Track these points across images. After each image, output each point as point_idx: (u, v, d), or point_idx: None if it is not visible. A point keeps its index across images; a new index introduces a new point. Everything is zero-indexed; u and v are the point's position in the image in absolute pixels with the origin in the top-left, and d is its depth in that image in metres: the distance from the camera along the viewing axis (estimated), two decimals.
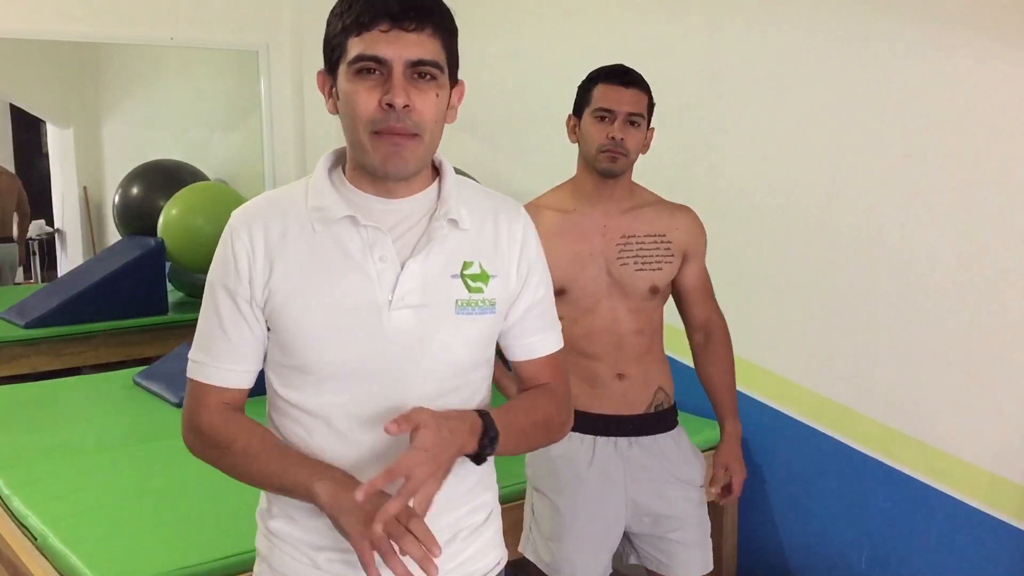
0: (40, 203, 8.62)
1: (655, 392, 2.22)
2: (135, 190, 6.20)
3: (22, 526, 2.50)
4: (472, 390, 1.40)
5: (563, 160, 3.74)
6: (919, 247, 2.64)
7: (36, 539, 2.41)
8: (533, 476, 2.27)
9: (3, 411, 3.54)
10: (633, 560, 2.30)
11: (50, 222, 8.71)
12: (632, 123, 2.11)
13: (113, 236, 7.05)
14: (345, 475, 1.26)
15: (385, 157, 1.26)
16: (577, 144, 2.22)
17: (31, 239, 8.43)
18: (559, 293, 2.13)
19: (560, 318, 2.09)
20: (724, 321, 2.33)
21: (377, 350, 1.30)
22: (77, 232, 8.22)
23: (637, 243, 2.17)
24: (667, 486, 2.21)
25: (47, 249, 8.86)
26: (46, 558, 2.35)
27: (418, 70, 1.25)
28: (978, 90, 2.49)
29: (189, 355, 1.37)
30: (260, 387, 1.42)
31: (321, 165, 1.36)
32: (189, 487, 2.69)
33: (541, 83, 3.79)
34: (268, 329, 1.33)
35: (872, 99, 2.71)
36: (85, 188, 8.21)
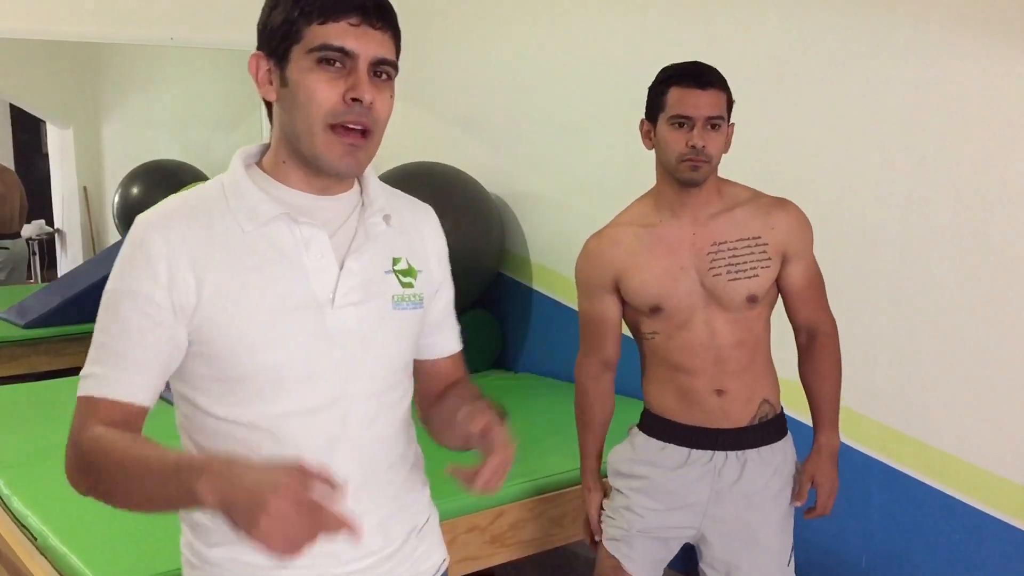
0: (40, 203, 8.62)
1: (760, 405, 2.10)
2: (135, 190, 6.21)
3: (22, 526, 2.50)
4: (405, 388, 1.40)
5: (564, 160, 3.75)
6: (919, 247, 2.64)
7: (36, 539, 2.41)
8: (615, 475, 2.20)
9: (3, 411, 3.54)
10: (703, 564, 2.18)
11: (50, 222, 8.71)
12: (713, 127, 1.96)
13: (113, 236, 7.06)
14: (220, 458, 1.13)
15: (340, 155, 1.22)
16: (653, 151, 2.05)
17: (31, 239, 8.43)
18: (654, 311, 2.05)
19: (654, 333, 2.08)
20: (834, 326, 2.16)
21: (321, 351, 1.26)
22: (77, 232, 8.22)
23: (729, 250, 2.01)
24: (752, 509, 2.09)
25: (47, 249, 8.86)
26: (46, 558, 2.35)
27: (378, 68, 1.22)
28: (978, 90, 2.49)
29: (82, 372, 1.25)
30: None
31: (237, 163, 1.30)
32: None
33: (542, 83, 3.79)
34: (190, 342, 1.23)
35: (872, 99, 2.71)
36: (85, 188, 8.21)
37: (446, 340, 1.50)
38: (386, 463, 1.36)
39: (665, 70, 2.02)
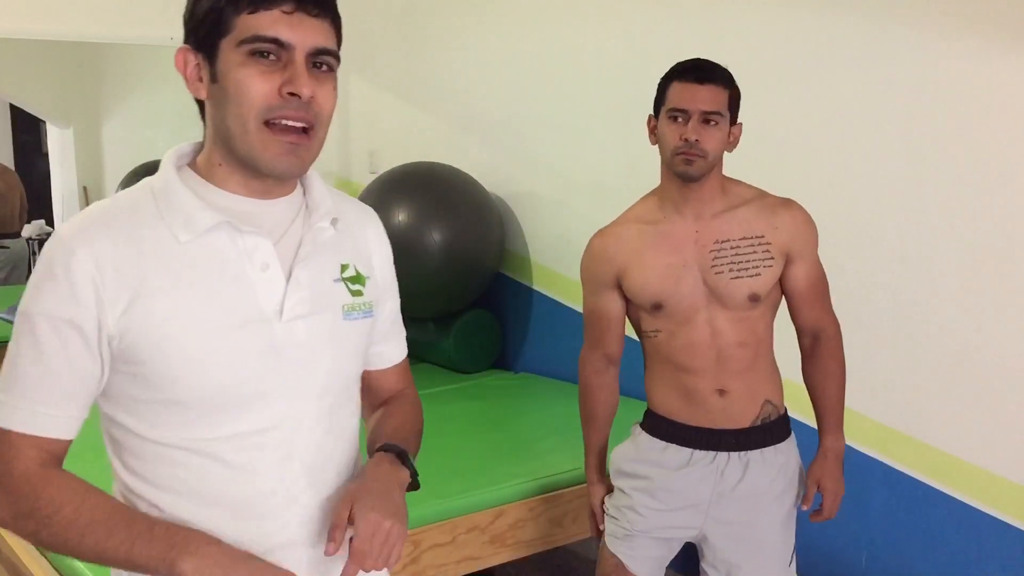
0: (40, 203, 8.62)
1: (762, 405, 2.09)
2: None
3: None
4: (355, 403, 1.32)
5: (564, 160, 3.75)
6: (919, 247, 2.64)
7: None
8: (617, 474, 2.20)
9: None
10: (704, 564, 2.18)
11: (50, 222, 8.71)
12: (708, 122, 1.95)
13: None
14: (211, 540, 1.09)
15: (277, 155, 1.11)
16: (658, 147, 2.05)
17: (31, 239, 8.43)
18: (656, 308, 2.06)
19: (656, 331, 2.08)
20: (837, 328, 2.15)
21: (270, 368, 1.16)
22: None
23: (732, 248, 2.01)
24: (751, 508, 2.09)
25: None
26: (46, 558, 2.35)
27: (318, 59, 1.11)
28: (979, 90, 2.49)
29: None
30: None
31: (168, 168, 1.18)
32: None
33: (541, 83, 3.79)
34: (123, 362, 1.12)
35: (872, 99, 2.71)
36: (85, 188, 8.21)
37: (392, 349, 1.42)
38: (337, 483, 1.26)
39: (673, 66, 2.03)
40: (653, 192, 2.12)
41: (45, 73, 7.92)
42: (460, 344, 3.88)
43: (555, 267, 3.79)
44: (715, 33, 3.07)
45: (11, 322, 4.94)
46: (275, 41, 1.09)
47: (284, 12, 1.09)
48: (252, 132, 1.10)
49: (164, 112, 7.14)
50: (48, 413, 1.12)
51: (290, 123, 1.10)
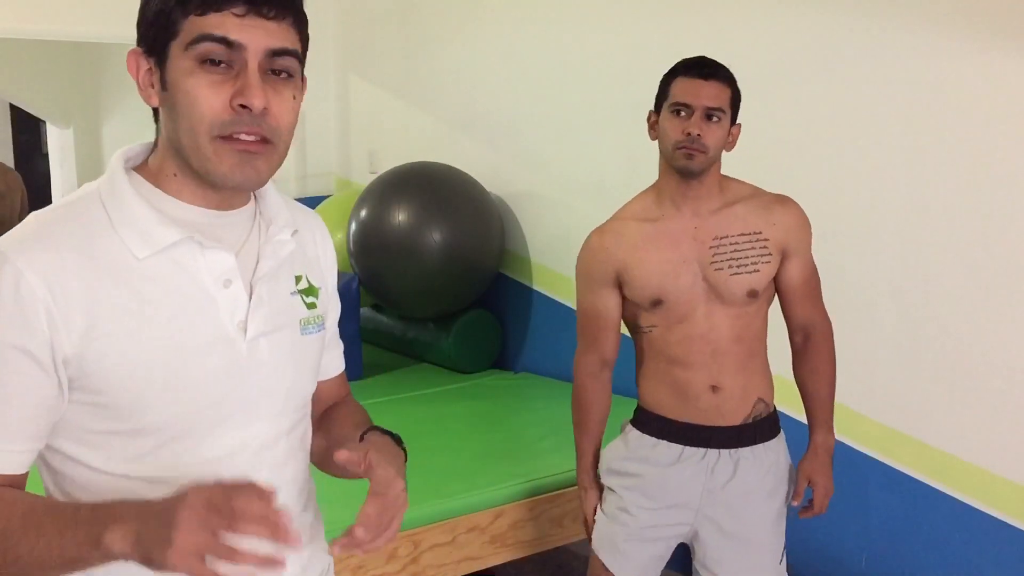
0: (40, 203, 8.61)
1: (754, 403, 2.10)
2: None
3: None
4: (307, 424, 1.25)
5: (564, 160, 3.75)
6: (919, 247, 2.64)
7: None
8: (608, 473, 2.19)
9: None
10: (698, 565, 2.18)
11: None
12: (711, 118, 1.96)
13: None
14: (134, 502, 0.95)
15: (233, 167, 1.03)
16: (657, 143, 2.05)
17: None
18: (655, 304, 2.06)
19: (653, 327, 2.08)
20: (829, 325, 2.17)
21: (235, 388, 1.10)
22: None
23: (731, 244, 2.02)
24: (742, 506, 2.09)
25: None
26: None
27: (275, 64, 1.03)
28: (979, 90, 2.49)
29: None
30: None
31: (119, 175, 1.09)
32: None
33: (541, 83, 3.79)
34: (74, 390, 1.04)
35: (872, 99, 2.71)
36: None
37: (335, 359, 1.35)
38: (299, 507, 1.22)
39: (677, 63, 2.03)
40: (651, 188, 2.12)
41: (45, 73, 7.92)
42: (460, 344, 3.88)
43: (555, 267, 3.79)
44: (715, 33, 3.07)
45: None
46: (224, 41, 1.00)
47: (236, 15, 1.00)
48: (204, 147, 1.02)
49: None
50: (6, 448, 1.02)
51: (243, 137, 1.02)
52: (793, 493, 2.15)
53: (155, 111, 1.09)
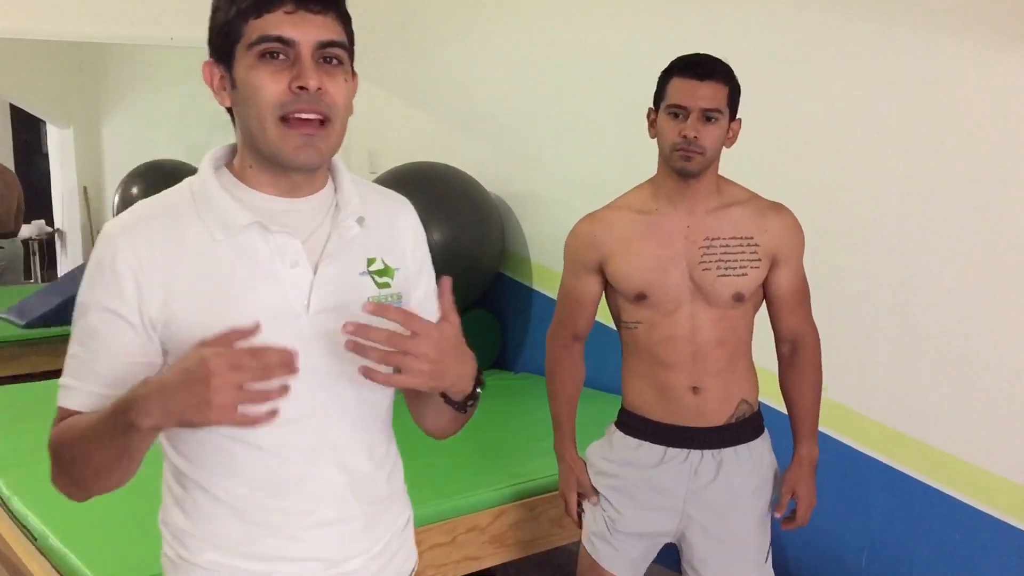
0: (40, 203, 8.62)
1: (737, 405, 2.09)
2: (135, 190, 6.20)
3: (22, 526, 2.50)
4: (384, 391, 1.35)
5: (564, 160, 3.75)
6: (919, 247, 2.64)
7: (36, 539, 2.41)
8: (594, 474, 2.20)
9: (3, 411, 3.54)
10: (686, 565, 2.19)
11: (50, 222, 8.71)
12: (708, 119, 1.95)
13: None
14: (148, 382, 1.11)
15: (297, 148, 1.18)
16: (656, 141, 2.05)
17: (31, 239, 8.42)
18: (639, 299, 2.06)
19: (637, 323, 2.09)
20: (816, 336, 2.16)
21: (299, 360, 1.19)
22: (77, 232, 8.23)
23: (721, 246, 2.02)
24: (726, 507, 2.09)
25: (47, 249, 8.86)
26: (46, 558, 2.35)
27: (326, 53, 1.18)
28: (979, 90, 2.49)
29: (60, 381, 1.25)
30: None
31: (207, 168, 1.27)
32: None
33: (541, 83, 3.79)
34: (166, 353, 1.21)
35: (872, 99, 2.71)
36: (85, 188, 8.22)
37: None
38: (370, 466, 1.34)
39: (674, 60, 2.02)
40: (648, 182, 2.12)
41: (45, 73, 7.93)
42: None
43: (555, 267, 3.79)
44: (716, 33, 3.07)
45: (11, 322, 4.89)
46: (280, 39, 1.15)
47: (286, 13, 1.16)
48: (270, 129, 1.17)
49: (164, 112, 7.15)
50: (97, 392, 1.20)
51: (304, 116, 1.16)
52: (777, 504, 2.15)
53: (231, 115, 1.25)
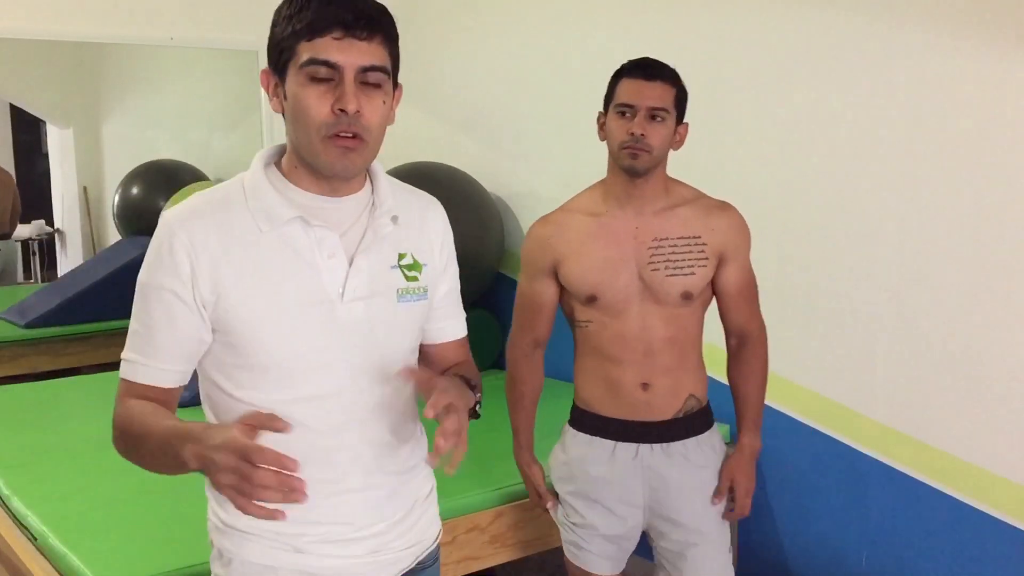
0: (40, 203, 8.61)
1: (685, 400, 2.15)
2: (135, 190, 6.21)
3: (22, 526, 2.50)
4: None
5: (563, 160, 3.75)
6: (919, 247, 2.64)
7: (36, 539, 2.41)
8: (556, 481, 2.27)
9: (3, 411, 3.54)
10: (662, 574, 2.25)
11: (50, 222, 8.70)
12: (655, 118, 2.01)
13: (113, 236, 7.06)
14: (202, 428, 1.23)
15: (335, 159, 1.33)
16: (606, 143, 2.12)
17: (31, 239, 8.42)
18: (590, 300, 2.11)
19: (588, 322, 2.15)
20: (763, 331, 2.23)
21: (332, 343, 1.39)
22: (77, 232, 8.21)
23: (670, 246, 2.07)
24: (684, 499, 2.14)
25: (47, 249, 8.86)
26: (46, 558, 2.35)
27: (366, 77, 1.31)
28: (979, 90, 2.49)
29: (122, 354, 1.39)
30: None
31: (258, 165, 1.41)
32: (189, 487, 2.68)
33: (541, 83, 3.79)
34: (214, 331, 1.36)
35: (873, 98, 2.71)
36: (85, 188, 8.20)
37: (451, 326, 1.61)
38: (394, 441, 1.48)
39: (623, 64, 2.11)
40: (598, 184, 2.18)
41: (45, 73, 7.91)
42: None
43: None
44: (716, 33, 3.08)
45: (10, 322, 4.86)
46: (327, 63, 1.28)
47: (335, 39, 1.28)
48: (315, 144, 1.32)
49: (164, 112, 7.14)
50: (160, 366, 1.36)
51: (343, 135, 1.31)
52: (716, 491, 2.19)
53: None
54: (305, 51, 1.29)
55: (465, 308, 3.66)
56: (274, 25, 1.34)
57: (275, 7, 1.37)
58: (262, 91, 1.55)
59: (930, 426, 2.65)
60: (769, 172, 2.99)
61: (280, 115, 1.38)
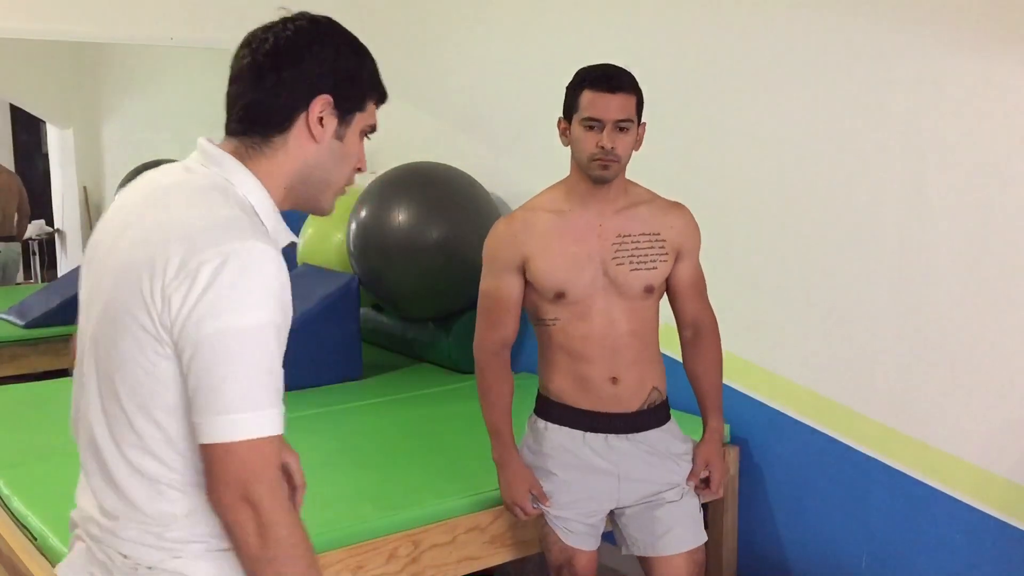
0: (40, 203, 8.62)
1: (649, 392, 2.27)
2: None
3: (22, 526, 2.50)
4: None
5: (563, 160, 3.74)
6: (919, 247, 2.64)
7: (36, 539, 2.41)
8: (533, 469, 2.32)
9: (3, 411, 3.54)
10: (625, 551, 2.34)
11: (50, 222, 8.72)
12: (621, 129, 2.11)
13: None
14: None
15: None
16: (569, 147, 2.22)
17: (31, 239, 8.43)
18: (558, 297, 2.20)
19: (554, 320, 2.23)
20: (714, 319, 2.36)
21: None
22: (77, 232, 8.23)
23: (632, 242, 2.19)
24: (653, 465, 2.26)
25: (47, 249, 8.87)
26: (46, 558, 2.35)
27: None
28: (979, 90, 2.49)
29: (246, 413, 1.18)
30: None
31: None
32: None
33: (541, 83, 3.79)
34: None
35: (873, 98, 2.71)
36: (85, 188, 8.21)
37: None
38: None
39: (579, 72, 2.19)
40: (560, 183, 2.29)
41: (45, 73, 7.93)
42: (460, 344, 3.88)
43: None
44: (716, 34, 3.08)
45: (10, 322, 4.82)
46: (374, 129, 1.42)
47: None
48: (329, 196, 1.40)
49: (164, 112, 7.14)
50: (280, 413, 1.22)
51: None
52: (692, 473, 2.30)
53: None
54: (369, 117, 1.46)
55: (465, 308, 3.72)
56: (350, 57, 1.41)
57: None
58: None
59: (930, 426, 2.65)
60: (769, 171, 2.99)
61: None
